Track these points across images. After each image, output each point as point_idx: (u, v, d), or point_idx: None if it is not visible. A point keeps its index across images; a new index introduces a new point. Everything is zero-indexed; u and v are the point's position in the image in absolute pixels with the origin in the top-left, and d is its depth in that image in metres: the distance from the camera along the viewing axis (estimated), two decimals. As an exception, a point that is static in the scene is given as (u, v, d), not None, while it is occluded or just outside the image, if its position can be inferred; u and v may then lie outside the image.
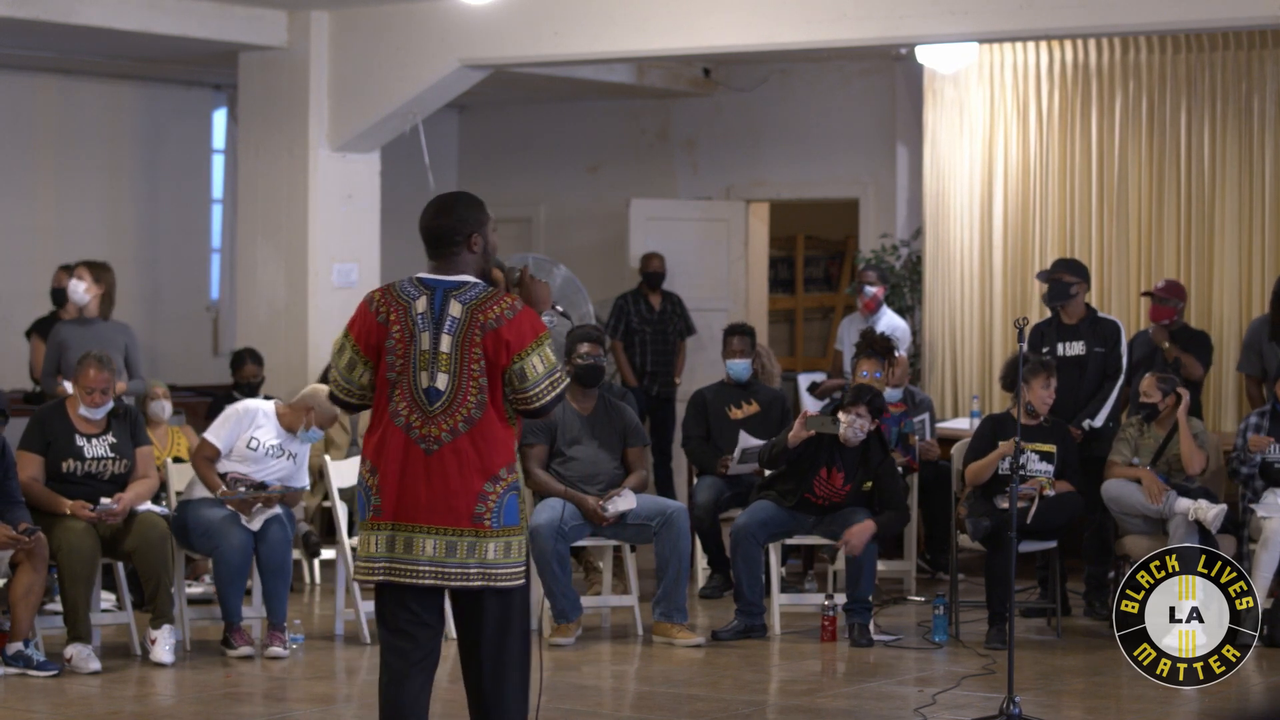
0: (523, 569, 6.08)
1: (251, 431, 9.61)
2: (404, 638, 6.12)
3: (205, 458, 9.58)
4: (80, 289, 10.92)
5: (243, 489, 9.47)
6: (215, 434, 9.63)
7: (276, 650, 9.40)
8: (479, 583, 6.03)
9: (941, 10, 11.55)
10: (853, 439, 9.88)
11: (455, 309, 6.05)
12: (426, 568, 6.03)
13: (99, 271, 10.95)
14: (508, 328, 6.00)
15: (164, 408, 11.10)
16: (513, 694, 6.15)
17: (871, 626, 9.87)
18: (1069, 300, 10.86)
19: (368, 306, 6.18)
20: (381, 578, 6.06)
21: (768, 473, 10.28)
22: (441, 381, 6.02)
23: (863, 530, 9.74)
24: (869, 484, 9.98)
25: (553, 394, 6.04)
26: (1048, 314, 11.15)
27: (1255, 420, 10.29)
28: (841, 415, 9.88)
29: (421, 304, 6.10)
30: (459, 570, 6.02)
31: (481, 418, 6.00)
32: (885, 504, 9.93)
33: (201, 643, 9.69)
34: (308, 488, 10.01)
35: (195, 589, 10.31)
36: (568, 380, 6.12)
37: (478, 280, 6.12)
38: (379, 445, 6.07)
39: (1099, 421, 10.65)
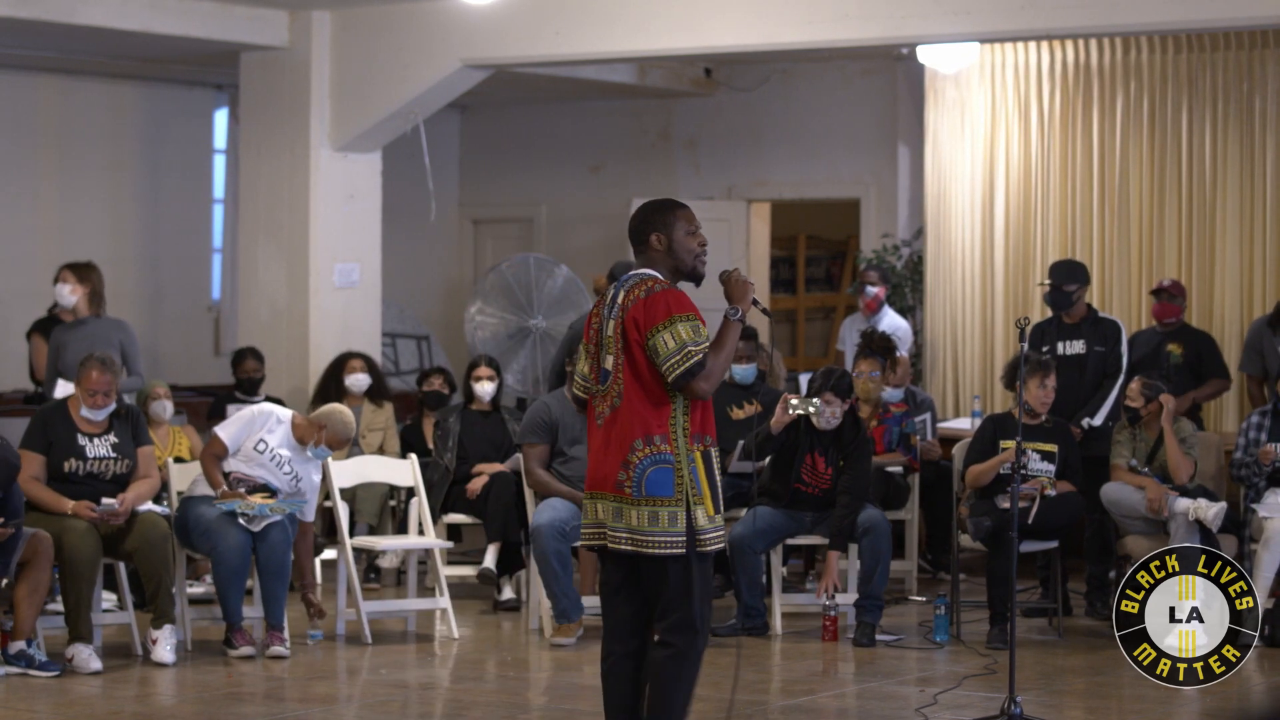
0: (675, 539, 6.43)
1: (263, 434, 9.61)
2: (604, 603, 6.66)
3: (213, 454, 9.58)
4: (65, 291, 10.97)
5: (244, 489, 9.47)
6: (226, 430, 9.63)
7: (278, 650, 9.40)
8: (628, 548, 6.46)
9: (943, 10, 11.55)
10: (824, 425, 9.91)
11: (620, 297, 6.52)
12: (593, 530, 6.57)
13: (82, 272, 11.00)
14: (638, 307, 6.43)
15: (165, 408, 11.10)
16: (666, 663, 6.46)
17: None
18: (1071, 306, 10.88)
19: None
20: (580, 541, 6.70)
21: (766, 461, 10.28)
22: (609, 362, 6.54)
23: (827, 573, 9.84)
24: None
25: (681, 368, 6.37)
26: (1049, 313, 11.16)
27: (1257, 420, 10.29)
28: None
29: (609, 296, 6.59)
30: (610, 533, 6.50)
31: (627, 392, 6.46)
32: (845, 488, 9.91)
33: (203, 643, 9.69)
34: (311, 519, 9.94)
35: (196, 589, 10.30)
36: (699, 357, 6.37)
37: (643, 270, 6.54)
38: (591, 424, 6.62)
39: (1099, 420, 10.65)
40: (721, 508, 6.57)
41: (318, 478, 9.84)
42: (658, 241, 6.52)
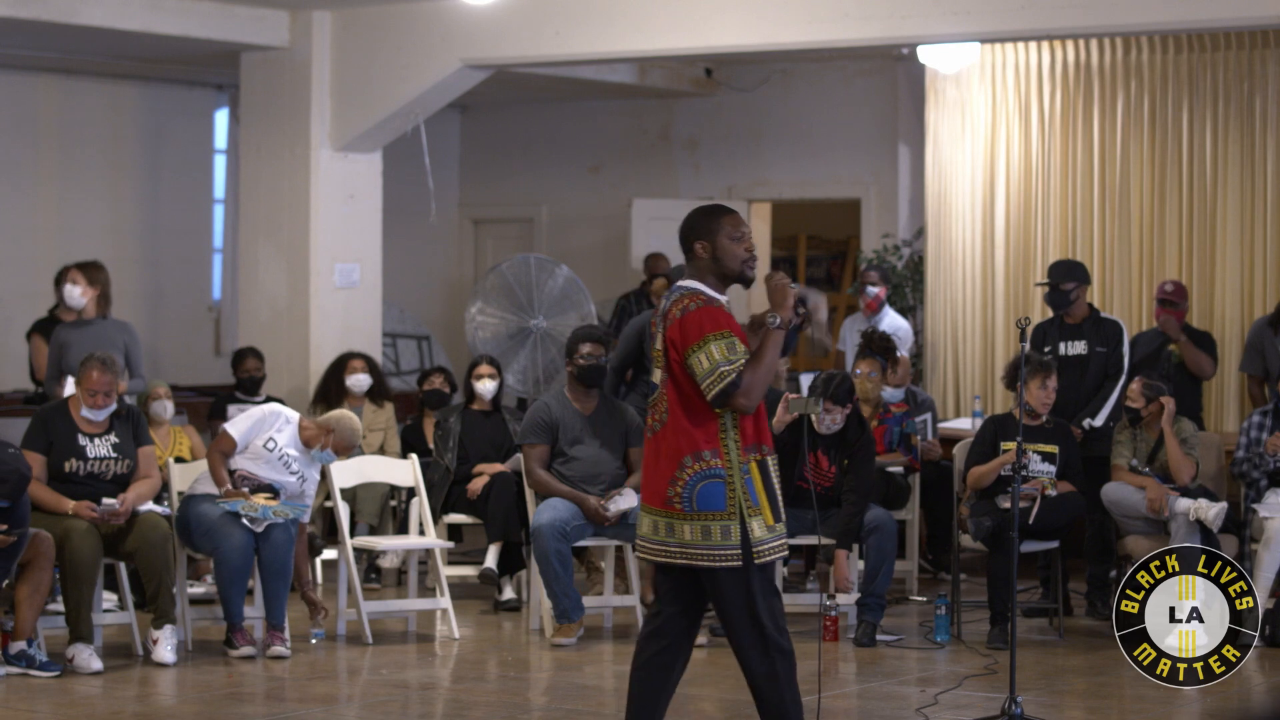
0: (729, 553, 6.42)
1: (272, 433, 9.61)
2: (654, 607, 6.68)
3: (220, 451, 9.58)
4: (76, 293, 10.94)
5: (246, 488, 9.47)
6: (236, 428, 9.63)
7: (278, 650, 9.40)
8: (682, 561, 6.48)
9: (943, 10, 11.55)
10: (824, 431, 9.94)
11: (667, 310, 6.53)
12: (647, 544, 6.59)
13: (92, 272, 10.97)
14: (674, 327, 6.45)
15: (166, 408, 11.11)
16: (758, 667, 6.53)
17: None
18: (1069, 305, 10.89)
19: None
20: (636, 553, 6.81)
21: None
22: (657, 376, 6.56)
23: (839, 570, 9.81)
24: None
25: (717, 389, 6.36)
26: (1050, 313, 11.16)
27: (1258, 419, 10.29)
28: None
29: (661, 307, 6.60)
30: (661, 547, 6.51)
31: (672, 408, 6.47)
32: (852, 487, 9.90)
33: (203, 643, 9.69)
34: (307, 520, 9.93)
35: (197, 589, 10.31)
36: (734, 376, 6.37)
37: (686, 283, 6.55)
38: (645, 433, 6.67)
39: (1099, 421, 10.65)
40: (782, 515, 6.54)
41: (317, 477, 9.84)
42: (702, 249, 6.53)
